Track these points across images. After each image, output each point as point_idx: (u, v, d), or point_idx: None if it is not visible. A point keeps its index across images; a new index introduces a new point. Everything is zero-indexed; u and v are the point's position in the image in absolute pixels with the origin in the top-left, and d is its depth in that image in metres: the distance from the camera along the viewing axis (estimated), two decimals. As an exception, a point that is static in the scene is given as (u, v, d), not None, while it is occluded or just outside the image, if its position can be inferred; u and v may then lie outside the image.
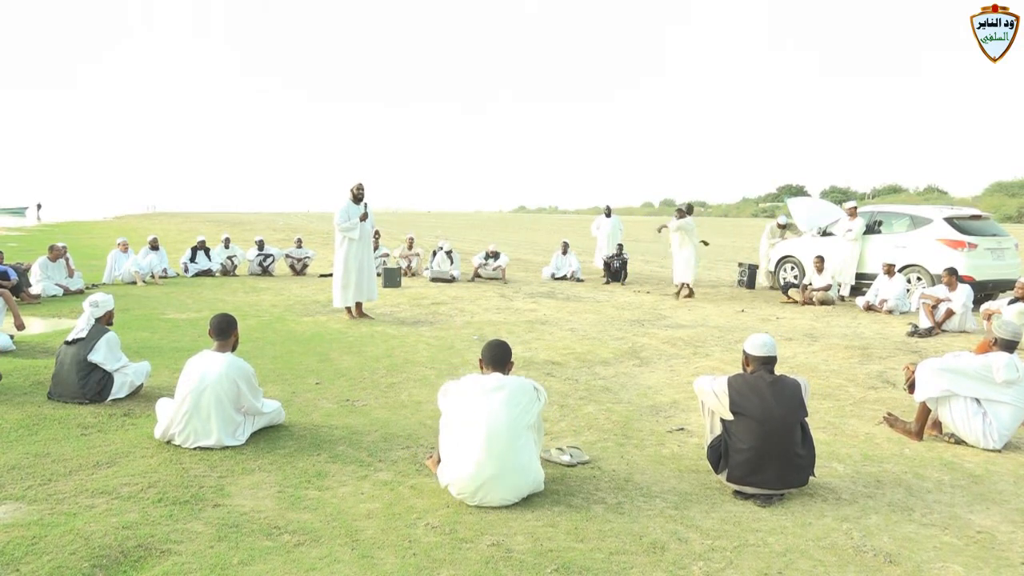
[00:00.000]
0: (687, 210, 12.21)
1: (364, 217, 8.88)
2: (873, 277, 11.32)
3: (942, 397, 4.44)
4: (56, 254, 10.99)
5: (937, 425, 4.63)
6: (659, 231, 12.95)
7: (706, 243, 14.07)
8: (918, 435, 4.57)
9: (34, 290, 10.36)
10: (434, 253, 14.32)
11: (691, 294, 11.94)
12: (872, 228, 12.10)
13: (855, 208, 12.37)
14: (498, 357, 3.70)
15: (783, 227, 14.08)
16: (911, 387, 4.68)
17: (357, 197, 8.88)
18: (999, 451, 4.41)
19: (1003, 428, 4.37)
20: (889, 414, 4.88)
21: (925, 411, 4.55)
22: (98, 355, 5.01)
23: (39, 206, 63.75)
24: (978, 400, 4.40)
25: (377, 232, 14.74)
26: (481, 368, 3.75)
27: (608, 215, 15.45)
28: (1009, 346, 4.47)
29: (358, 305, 9.16)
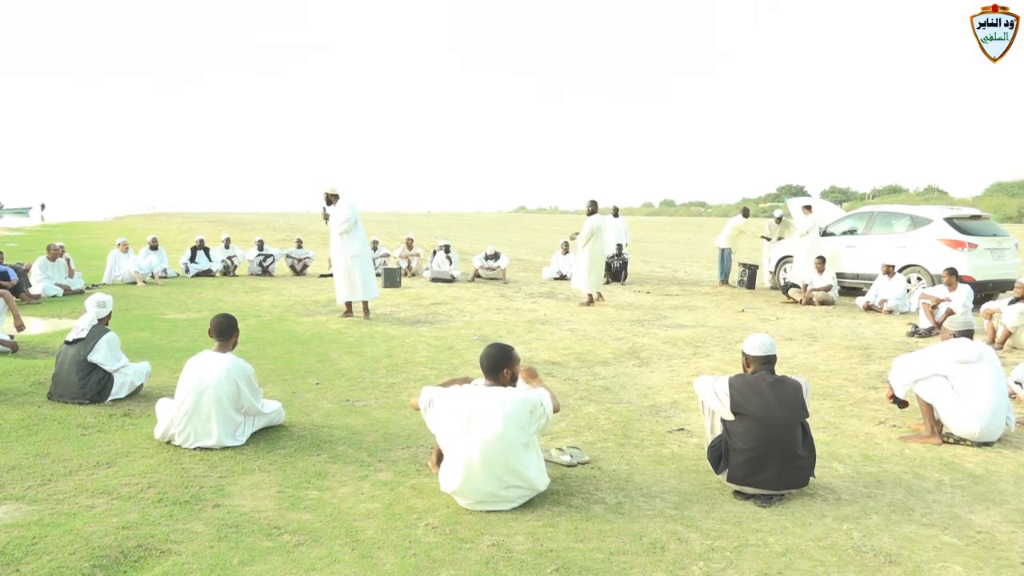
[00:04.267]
0: (595, 208, 10.81)
1: (325, 217, 8.99)
2: (873, 277, 11.33)
3: (919, 381, 4.55)
4: (54, 253, 11.02)
5: (937, 429, 4.63)
6: (572, 238, 11.57)
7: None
8: (936, 435, 4.57)
9: (34, 290, 10.37)
10: (434, 253, 14.32)
11: (591, 302, 10.73)
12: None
13: (809, 207, 12.72)
14: (492, 364, 3.52)
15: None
16: (893, 399, 4.80)
17: (328, 200, 8.97)
18: (992, 448, 4.42)
19: (981, 413, 4.38)
20: (904, 436, 4.74)
21: (928, 408, 4.55)
22: (98, 355, 5.01)
23: (43, 206, 63.82)
24: (946, 377, 4.49)
25: (376, 241, 14.83)
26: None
27: (616, 215, 15.42)
28: (965, 335, 4.63)
29: (364, 305, 9.21)
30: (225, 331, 4.36)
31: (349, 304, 9.20)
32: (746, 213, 14.76)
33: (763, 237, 14.14)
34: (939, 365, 4.54)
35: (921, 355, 4.69)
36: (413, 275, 14.59)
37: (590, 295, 10.77)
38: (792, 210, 14.11)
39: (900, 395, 4.73)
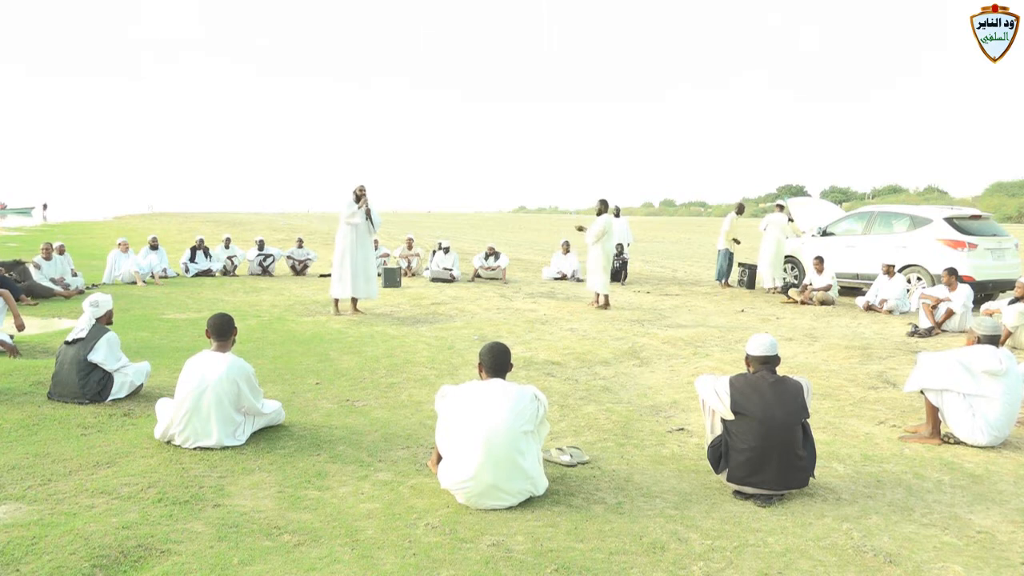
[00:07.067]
0: (605, 207, 10.54)
1: (368, 215, 9.19)
2: (873, 277, 11.34)
3: (932, 391, 4.49)
4: (47, 251, 11.06)
5: (937, 430, 4.62)
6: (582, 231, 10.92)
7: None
8: (936, 436, 4.56)
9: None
10: (433, 253, 14.33)
11: (605, 304, 10.41)
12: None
13: (780, 206, 13.53)
14: (498, 363, 3.65)
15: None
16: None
17: (358, 197, 9.17)
18: (992, 448, 4.42)
19: (991, 426, 4.38)
20: (903, 435, 4.72)
21: (933, 410, 4.54)
22: (98, 355, 5.01)
23: (45, 206, 63.88)
24: (964, 395, 4.43)
25: (375, 241, 14.92)
26: (480, 372, 3.72)
27: (617, 215, 15.37)
28: (991, 340, 4.55)
29: (353, 301, 9.42)
30: (223, 330, 4.37)
31: (337, 301, 9.40)
32: (740, 210, 14.31)
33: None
34: (961, 378, 4.41)
35: (946, 360, 4.51)
36: (413, 275, 14.60)
37: (598, 295, 10.43)
38: (792, 210, 14.12)
39: (909, 390, 4.66)
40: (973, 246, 10.65)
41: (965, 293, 8.94)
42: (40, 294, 10.29)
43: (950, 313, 8.83)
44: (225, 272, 14.39)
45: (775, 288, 12.86)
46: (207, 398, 4.13)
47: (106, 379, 5.07)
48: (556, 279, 14.44)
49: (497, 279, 13.94)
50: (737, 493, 3.66)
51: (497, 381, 3.60)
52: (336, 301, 9.42)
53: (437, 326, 8.70)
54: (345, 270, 9.16)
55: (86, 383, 4.98)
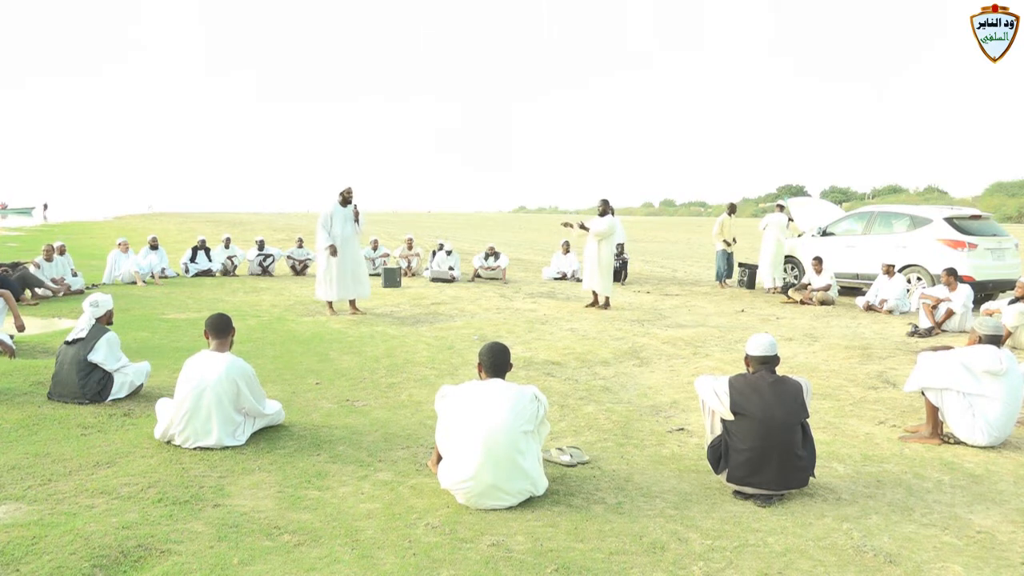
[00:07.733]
0: (608, 207, 10.40)
1: (356, 217, 9.28)
2: (873, 277, 11.34)
3: (932, 390, 4.49)
4: (48, 253, 11.07)
5: (938, 430, 4.62)
6: (570, 228, 10.66)
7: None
8: (936, 436, 4.56)
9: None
10: (434, 253, 14.34)
11: (607, 305, 10.29)
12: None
13: (780, 206, 13.65)
14: (498, 363, 3.65)
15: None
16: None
17: (346, 200, 9.19)
18: (992, 448, 4.41)
19: (991, 426, 4.37)
20: (903, 435, 4.71)
21: (933, 410, 4.54)
22: (98, 355, 5.01)
23: (45, 206, 63.96)
24: (965, 395, 4.41)
25: (375, 241, 15.00)
26: (480, 372, 3.72)
27: (612, 215, 15.31)
28: (993, 340, 4.53)
29: (352, 301, 9.46)
30: (222, 329, 4.37)
31: (331, 305, 9.40)
32: (732, 210, 14.14)
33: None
34: (962, 378, 4.40)
35: (946, 360, 4.50)
36: (413, 275, 14.60)
37: (596, 296, 10.34)
38: (792, 210, 14.12)
39: (908, 390, 4.66)
40: (973, 246, 10.65)
41: (965, 293, 8.94)
42: (34, 285, 10.23)
43: (950, 313, 8.84)
44: (225, 272, 14.40)
45: (775, 288, 12.87)
46: (207, 398, 4.13)
47: (106, 379, 5.07)
48: (556, 279, 14.44)
49: (497, 279, 13.94)
50: (737, 493, 3.66)
51: (497, 381, 3.60)
52: (329, 303, 9.41)
53: (437, 326, 8.70)
54: (332, 272, 9.14)
55: (86, 383, 4.98)
